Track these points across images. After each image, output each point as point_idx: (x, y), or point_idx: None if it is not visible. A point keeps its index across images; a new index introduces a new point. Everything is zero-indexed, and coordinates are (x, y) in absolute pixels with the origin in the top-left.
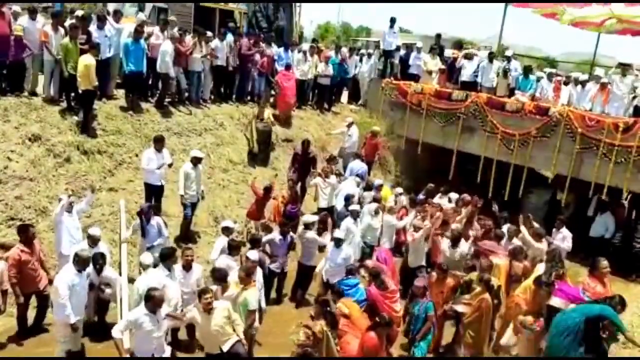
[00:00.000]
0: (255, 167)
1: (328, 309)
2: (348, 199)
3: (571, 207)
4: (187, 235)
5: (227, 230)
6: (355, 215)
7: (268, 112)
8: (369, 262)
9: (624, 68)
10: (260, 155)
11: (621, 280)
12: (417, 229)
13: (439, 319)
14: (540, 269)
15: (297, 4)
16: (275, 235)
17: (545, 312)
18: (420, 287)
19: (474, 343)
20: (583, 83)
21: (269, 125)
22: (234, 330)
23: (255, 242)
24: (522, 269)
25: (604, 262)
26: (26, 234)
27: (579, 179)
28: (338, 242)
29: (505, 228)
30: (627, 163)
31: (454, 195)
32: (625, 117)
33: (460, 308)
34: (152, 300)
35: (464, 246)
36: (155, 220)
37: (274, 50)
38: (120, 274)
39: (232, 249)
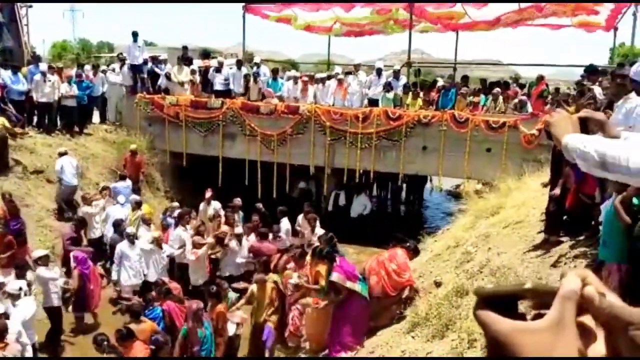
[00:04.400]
0: None
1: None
2: (118, 225)
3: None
4: None
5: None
6: (132, 237)
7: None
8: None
9: (355, 67)
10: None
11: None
12: (197, 245)
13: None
14: None
15: (24, 23)
16: None
17: (327, 287)
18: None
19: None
20: (323, 80)
21: (2, 131)
22: None
23: None
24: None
25: None
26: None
27: (335, 167)
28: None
29: (284, 222)
30: (370, 148)
31: (217, 204)
32: (363, 107)
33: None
34: None
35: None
36: None
37: (3, 73)
38: None
39: None
